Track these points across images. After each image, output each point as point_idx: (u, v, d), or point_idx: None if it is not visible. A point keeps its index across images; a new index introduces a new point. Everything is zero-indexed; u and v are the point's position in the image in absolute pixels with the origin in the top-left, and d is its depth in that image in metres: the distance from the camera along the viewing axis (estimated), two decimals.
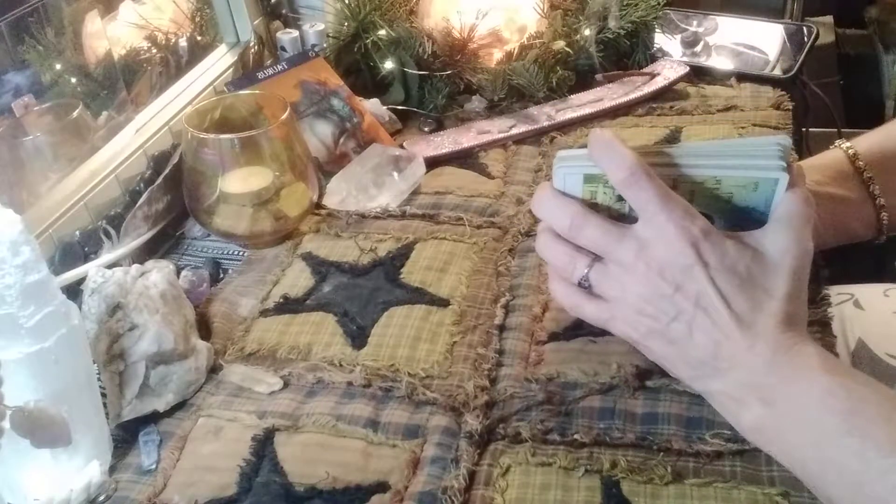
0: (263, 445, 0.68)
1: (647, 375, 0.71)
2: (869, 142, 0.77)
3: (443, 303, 0.82)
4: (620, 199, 0.63)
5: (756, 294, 0.57)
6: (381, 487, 0.64)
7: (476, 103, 1.15)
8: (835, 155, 0.77)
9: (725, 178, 0.60)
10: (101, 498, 0.66)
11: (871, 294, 0.94)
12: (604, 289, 0.62)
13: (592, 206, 0.63)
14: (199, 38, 1.16)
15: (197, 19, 1.16)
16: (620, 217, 0.63)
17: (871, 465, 0.51)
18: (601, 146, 0.60)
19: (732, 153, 0.61)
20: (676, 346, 0.60)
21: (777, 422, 0.56)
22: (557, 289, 0.66)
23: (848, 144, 0.76)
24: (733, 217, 0.62)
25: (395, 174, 0.98)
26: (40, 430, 0.57)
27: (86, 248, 0.87)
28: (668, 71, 1.16)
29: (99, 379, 0.70)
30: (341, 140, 1.04)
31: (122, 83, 1.00)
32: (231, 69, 1.14)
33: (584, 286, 0.63)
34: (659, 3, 1.17)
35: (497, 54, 1.16)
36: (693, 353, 0.59)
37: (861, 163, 0.74)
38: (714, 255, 0.56)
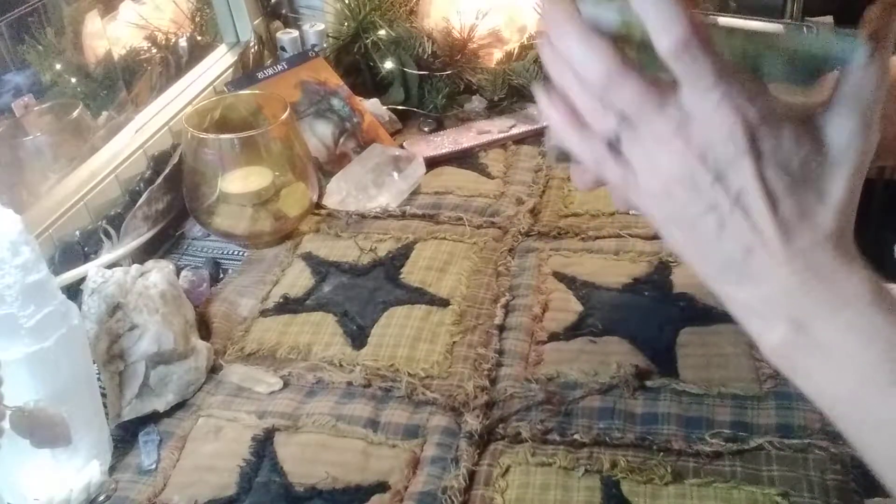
0: (263, 445, 0.68)
1: (647, 375, 0.71)
2: None
3: (443, 303, 0.82)
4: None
5: (807, 198, 0.48)
6: (381, 487, 0.64)
7: (476, 103, 1.15)
8: None
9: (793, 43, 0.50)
10: (101, 498, 0.66)
11: None
12: (632, 156, 0.50)
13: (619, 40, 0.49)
14: (199, 38, 1.16)
15: (197, 19, 1.16)
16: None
17: None
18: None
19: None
20: (702, 242, 0.51)
21: (807, 351, 0.48)
22: (573, 135, 0.51)
23: None
24: (795, 71, 0.51)
25: (395, 174, 0.98)
26: (40, 430, 0.57)
27: (86, 248, 0.87)
28: None
29: (99, 379, 0.70)
30: (341, 140, 1.04)
31: (122, 83, 1.00)
32: (231, 69, 1.14)
33: (613, 146, 0.51)
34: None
35: (497, 54, 1.16)
36: (720, 253, 0.50)
37: None
38: (769, 146, 0.47)
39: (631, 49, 0.49)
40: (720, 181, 0.48)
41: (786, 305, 0.48)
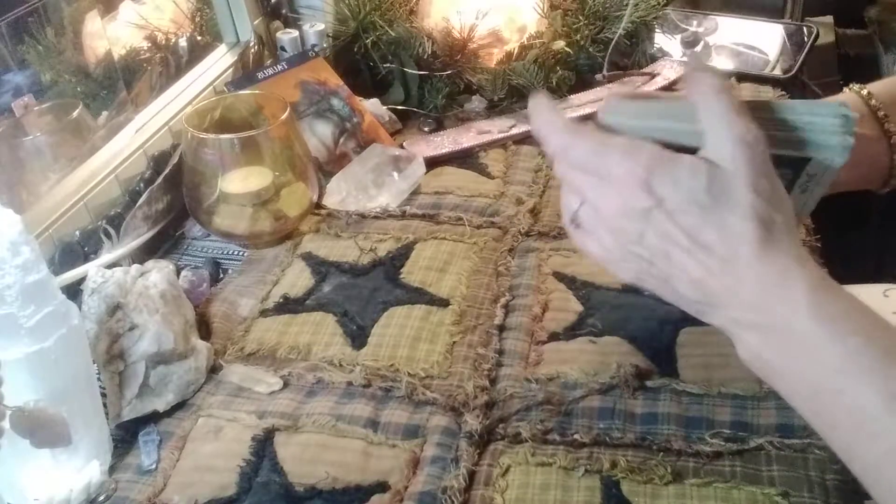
0: (263, 445, 0.68)
1: (647, 375, 0.71)
2: (882, 85, 0.74)
3: (443, 303, 0.82)
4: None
5: (722, 217, 0.51)
6: (381, 487, 0.64)
7: (476, 103, 1.15)
8: (847, 97, 0.74)
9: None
10: (101, 498, 0.66)
11: (870, 294, 0.94)
12: (592, 231, 0.58)
13: None
14: (199, 38, 1.16)
15: (197, 19, 1.16)
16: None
17: (861, 426, 0.48)
18: (536, 115, 0.58)
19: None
20: (667, 286, 0.56)
21: (772, 363, 0.52)
22: (568, 226, 0.61)
23: (860, 86, 0.73)
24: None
25: (395, 174, 0.98)
26: (40, 430, 0.57)
27: (86, 248, 0.87)
28: (668, 71, 1.16)
29: (99, 379, 0.70)
30: (341, 140, 1.04)
31: (122, 83, 1.00)
32: (231, 69, 1.14)
33: (576, 224, 0.59)
34: (659, 3, 1.17)
35: (497, 54, 1.16)
36: (682, 291, 0.55)
37: (875, 102, 0.72)
38: (667, 188, 0.52)
39: None
40: (645, 236, 0.53)
41: (746, 323, 0.52)
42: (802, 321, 0.50)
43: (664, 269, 0.54)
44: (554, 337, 0.77)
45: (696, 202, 0.51)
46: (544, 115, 0.58)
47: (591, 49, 1.15)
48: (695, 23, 1.27)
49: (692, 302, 0.55)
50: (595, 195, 0.55)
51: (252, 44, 1.17)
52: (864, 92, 0.73)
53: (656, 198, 0.52)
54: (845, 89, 0.75)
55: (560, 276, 0.84)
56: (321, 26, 1.19)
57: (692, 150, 0.53)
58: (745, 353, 0.54)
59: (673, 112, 0.56)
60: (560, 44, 1.14)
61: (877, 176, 0.73)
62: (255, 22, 1.18)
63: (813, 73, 1.28)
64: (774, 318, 0.51)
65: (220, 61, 1.15)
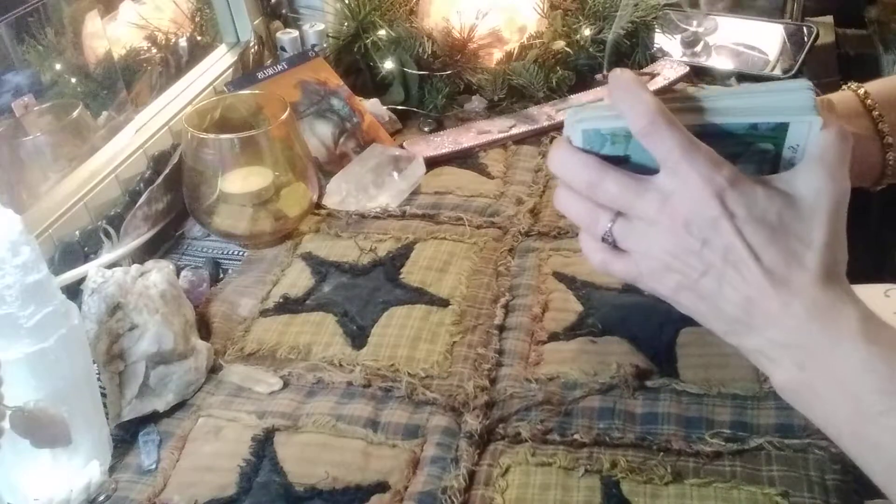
0: (263, 445, 0.68)
1: (647, 375, 0.71)
2: (880, 84, 0.75)
3: (443, 303, 0.82)
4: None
5: (790, 245, 0.52)
6: (381, 487, 0.64)
7: (476, 103, 1.15)
8: (844, 95, 0.75)
9: (754, 124, 0.56)
10: (101, 498, 0.66)
11: (870, 294, 0.93)
12: (629, 244, 0.57)
13: (619, 162, 0.58)
14: (199, 38, 1.16)
15: (197, 19, 1.16)
16: (650, 171, 0.57)
17: None
18: (620, 90, 0.55)
19: (761, 98, 0.56)
20: (707, 302, 0.56)
21: (811, 387, 0.53)
22: (584, 244, 0.61)
23: (857, 85, 0.74)
24: (762, 162, 0.57)
25: (395, 174, 0.98)
26: (40, 430, 0.58)
27: (86, 248, 0.87)
28: (668, 71, 1.16)
29: (99, 379, 0.70)
30: (341, 140, 1.04)
31: (122, 83, 1.00)
32: (231, 69, 1.14)
33: (609, 242, 0.58)
34: (659, 3, 1.17)
35: (497, 54, 1.16)
36: (725, 309, 0.55)
37: (871, 101, 0.72)
38: (741, 206, 0.52)
39: (633, 141, 0.56)
40: (707, 245, 0.53)
41: (790, 347, 0.53)
42: (851, 342, 0.51)
43: (712, 284, 0.54)
44: (554, 337, 0.77)
45: (767, 223, 0.52)
46: (635, 95, 0.55)
47: (591, 49, 1.15)
48: (695, 23, 1.27)
49: (732, 321, 0.55)
50: (652, 207, 0.55)
51: (252, 44, 1.18)
52: (861, 91, 0.73)
53: (729, 210, 0.52)
54: (843, 87, 0.75)
55: (560, 276, 0.84)
56: (321, 26, 1.19)
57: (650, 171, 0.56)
58: (782, 377, 0.54)
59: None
60: (560, 44, 1.14)
61: (869, 174, 0.73)
62: (255, 22, 1.18)
63: (813, 73, 1.28)
64: (819, 344, 0.52)
65: (220, 61, 1.15)
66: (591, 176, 0.56)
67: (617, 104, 0.55)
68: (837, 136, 0.54)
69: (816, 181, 0.53)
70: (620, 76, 0.55)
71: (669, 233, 0.54)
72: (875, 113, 0.72)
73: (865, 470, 0.52)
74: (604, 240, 0.58)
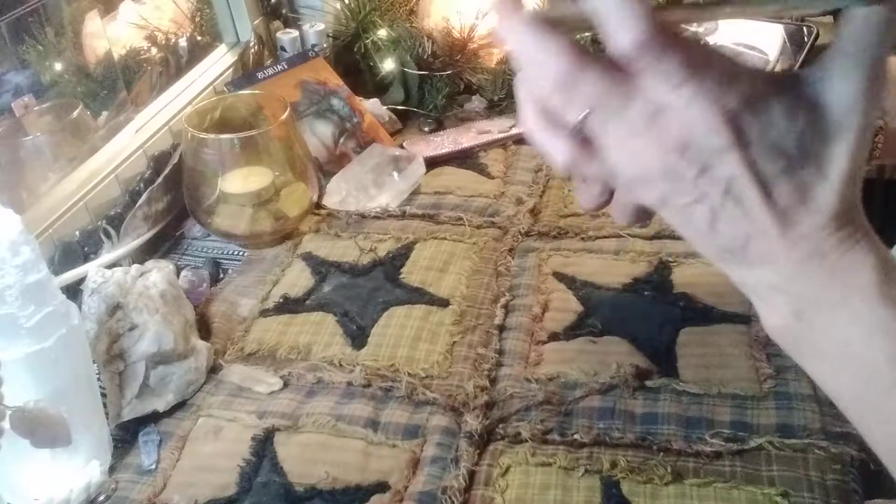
0: (263, 445, 0.68)
1: (647, 375, 0.71)
2: None
3: (443, 303, 0.82)
4: None
5: (807, 176, 0.44)
6: (381, 487, 0.64)
7: (476, 103, 1.15)
8: None
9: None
10: (101, 498, 0.66)
11: None
12: (603, 141, 0.46)
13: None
14: (199, 38, 1.16)
15: (197, 19, 1.16)
16: None
17: None
18: None
19: None
20: (695, 228, 0.47)
21: (809, 339, 0.46)
22: (546, 140, 0.47)
23: None
24: None
25: (395, 174, 0.98)
26: (40, 430, 0.57)
27: (86, 248, 0.87)
28: None
29: (99, 379, 0.70)
30: (341, 140, 1.04)
31: (122, 83, 1.00)
32: (231, 69, 1.14)
33: (577, 135, 0.46)
34: (658, 4, 1.17)
35: (497, 54, 1.16)
36: (717, 239, 0.47)
37: None
38: (757, 130, 0.43)
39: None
40: (705, 173, 0.44)
41: (786, 293, 0.46)
42: (864, 298, 0.44)
43: (705, 214, 0.45)
44: (554, 337, 0.77)
45: (784, 149, 0.43)
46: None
47: (591, 49, 1.15)
48: (695, 23, 1.26)
49: (723, 251, 0.47)
50: (636, 111, 0.44)
51: (252, 44, 1.17)
52: None
53: (741, 138, 0.43)
54: None
55: (560, 276, 0.84)
56: (321, 26, 1.19)
57: None
58: (775, 322, 0.47)
59: None
60: None
61: None
62: (255, 22, 1.18)
63: None
64: (826, 292, 0.44)
65: (220, 61, 1.15)
66: (570, 69, 0.44)
67: (599, 7, 0.44)
68: (878, 26, 0.42)
69: (850, 89, 0.43)
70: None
71: (658, 151, 0.45)
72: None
73: (867, 439, 0.45)
74: (573, 131, 0.46)
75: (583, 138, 0.46)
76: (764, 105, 0.43)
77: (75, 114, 0.94)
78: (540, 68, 0.46)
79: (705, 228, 0.46)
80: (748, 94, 0.43)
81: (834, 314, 0.45)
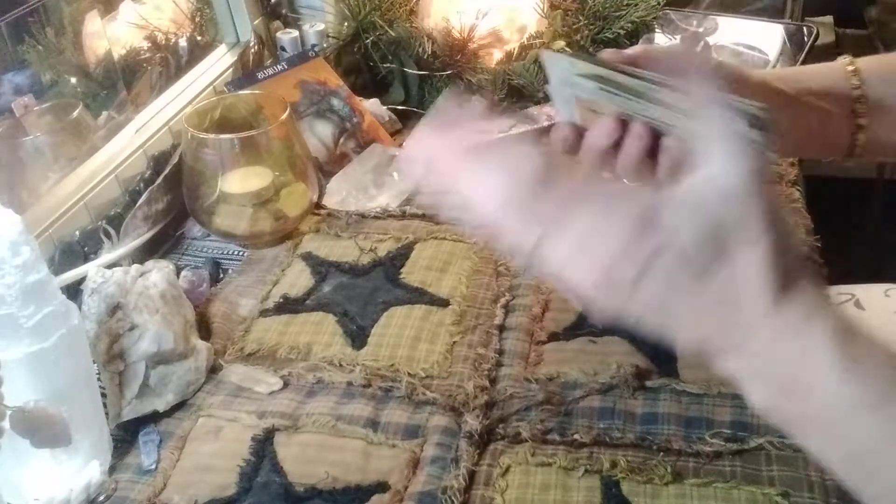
0: (263, 445, 0.68)
1: (647, 375, 0.71)
2: (877, 60, 0.69)
3: (443, 303, 0.82)
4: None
5: (733, 258, 0.45)
6: (381, 487, 0.64)
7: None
8: (832, 67, 0.69)
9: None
10: (101, 498, 0.66)
11: (871, 294, 0.94)
12: (561, 266, 0.50)
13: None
14: (198, 38, 1.16)
15: (197, 19, 1.16)
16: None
17: None
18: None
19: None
20: (663, 324, 0.49)
21: (793, 417, 0.48)
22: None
23: (850, 60, 0.69)
24: None
25: (395, 174, 0.98)
26: (40, 430, 0.57)
27: (86, 248, 0.87)
28: None
29: (99, 379, 0.70)
30: (341, 140, 1.04)
31: (122, 83, 1.00)
32: (231, 69, 1.14)
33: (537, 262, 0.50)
34: (659, 3, 1.17)
35: (497, 54, 1.16)
36: (684, 336, 0.50)
37: (856, 80, 0.67)
38: (669, 219, 0.46)
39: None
40: (645, 276, 0.46)
41: (761, 377, 0.47)
42: (832, 382, 0.45)
43: (666, 315, 0.48)
44: (554, 337, 0.77)
45: (704, 242, 0.45)
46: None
47: (591, 49, 1.15)
48: (695, 23, 1.26)
49: (697, 349, 0.49)
50: (580, 226, 0.47)
51: (252, 44, 1.17)
52: (851, 68, 0.68)
53: (663, 239, 0.45)
54: (839, 59, 0.70)
55: None
56: (321, 26, 1.19)
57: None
58: (759, 402, 0.48)
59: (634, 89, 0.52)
60: (560, 44, 1.14)
61: (835, 151, 0.68)
62: (255, 22, 1.18)
63: None
64: (791, 361, 0.46)
65: (220, 61, 1.15)
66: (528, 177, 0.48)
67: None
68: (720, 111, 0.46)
69: (733, 171, 0.45)
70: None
71: (601, 264, 0.47)
72: (856, 93, 0.67)
73: (863, 493, 0.46)
74: (530, 257, 0.50)
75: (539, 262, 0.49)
76: (673, 206, 0.46)
77: (75, 114, 0.94)
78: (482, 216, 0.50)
79: (674, 328, 0.48)
80: (646, 206, 0.46)
81: (809, 394, 0.45)
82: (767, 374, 0.47)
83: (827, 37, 1.59)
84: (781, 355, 0.46)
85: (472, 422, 0.68)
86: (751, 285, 0.45)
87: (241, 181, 0.90)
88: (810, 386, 0.45)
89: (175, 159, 0.96)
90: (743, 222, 0.45)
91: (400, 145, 1.06)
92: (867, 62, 0.69)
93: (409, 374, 0.74)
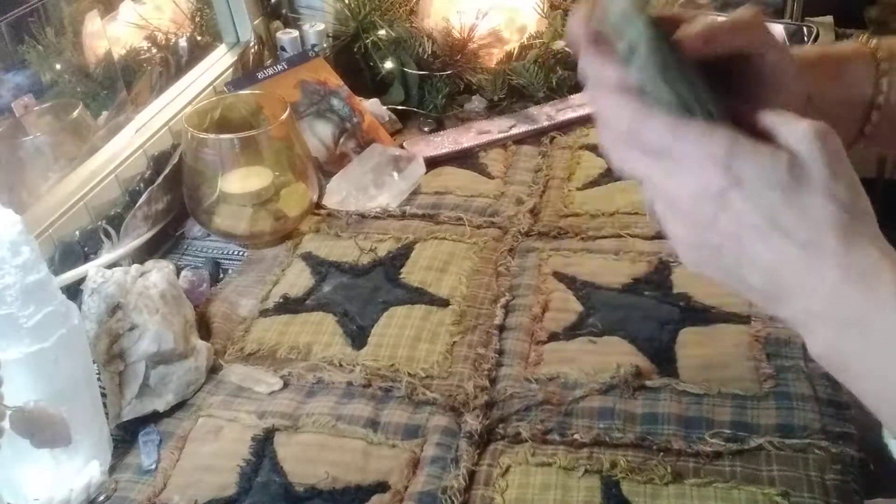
0: (263, 445, 0.68)
1: (647, 375, 0.71)
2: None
3: (443, 303, 0.82)
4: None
5: (803, 199, 0.49)
6: (381, 487, 0.64)
7: (476, 103, 1.15)
8: (851, 43, 0.66)
9: None
10: (101, 498, 0.66)
11: None
12: (666, 219, 0.54)
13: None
14: (199, 38, 1.16)
15: (197, 19, 1.16)
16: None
17: None
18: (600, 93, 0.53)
19: None
20: (735, 274, 0.52)
21: (849, 357, 0.50)
22: (619, 156, 0.55)
23: (867, 37, 0.67)
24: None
25: (395, 174, 0.98)
26: (40, 430, 0.57)
27: (86, 248, 0.87)
28: None
29: (99, 379, 0.70)
30: (341, 140, 1.04)
31: (122, 83, 1.00)
32: (231, 69, 1.14)
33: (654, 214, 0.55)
34: (659, 4, 1.17)
35: (497, 54, 1.16)
36: (751, 281, 0.51)
37: (881, 53, 0.65)
38: (746, 169, 0.49)
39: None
40: (718, 218, 0.50)
41: (821, 316, 0.49)
42: (888, 316, 0.47)
43: (734, 256, 0.51)
44: (554, 337, 0.77)
45: (777, 183, 0.48)
46: (610, 95, 0.53)
47: None
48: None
49: (761, 292, 0.51)
50: (667, 182, 0.51)
51: (252, 44, 1.17)
52: (872, 43, 0.66)
53: (735, 177, 0.49)
54: (852, 38, 0.68)
55: (560, 276, 0.84)
56: (321, 26, 1.19)
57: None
58: (818, 347, 0.50)
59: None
60: (560, 44, 1.14)
61: (860, 92, 0.66)
62: (255, 22, 1.18)
63: None
64: (856, 310, 0.48)
65: (220, 61, 1.15)
66: (633, 120, 0.52)
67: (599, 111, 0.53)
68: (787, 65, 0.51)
69: (799, 137, 0.49)
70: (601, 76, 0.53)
71: (684, 212, 0.52)
72: (883, 65, 0.64)
73: None
74: (651, 212, 0.55)
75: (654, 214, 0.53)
76: (746, 150, 0.49)
77: (75, 114, 0.94)
78: (610, 122, 0.54)
79: (743, 271, 0.51)
80: (728, 143, 0.49)
81: (868, 329, 0.48)
82: (833, 314, 0.49)
83: (827, 37, 1.58)
84: (848, 294, 0.48)
85: (472, 422, 0.68)
86: (823, 229, 0.48)
87: (241, 181, 0.90)
88: (872, 322, 0.47)
89: (175, 159, 0.96)
90: (816, 174, 0.48)
91: (400, 145, 1.06)
92: (888, 40, 0.66)
93: (409, 374, 0.74)
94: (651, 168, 0.52)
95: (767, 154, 0.49)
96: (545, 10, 1.17)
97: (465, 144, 1.06)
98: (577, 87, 1.15)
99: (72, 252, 0.86)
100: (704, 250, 0.52)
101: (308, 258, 0.90)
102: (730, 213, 0.49)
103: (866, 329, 0.48)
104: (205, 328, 0.81)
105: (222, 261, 0.93)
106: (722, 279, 0.53)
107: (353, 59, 1.17)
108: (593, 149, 1.04)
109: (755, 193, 0.49)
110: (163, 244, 0.95)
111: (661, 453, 0.65)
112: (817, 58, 0.60)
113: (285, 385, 0.74)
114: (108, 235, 0.88)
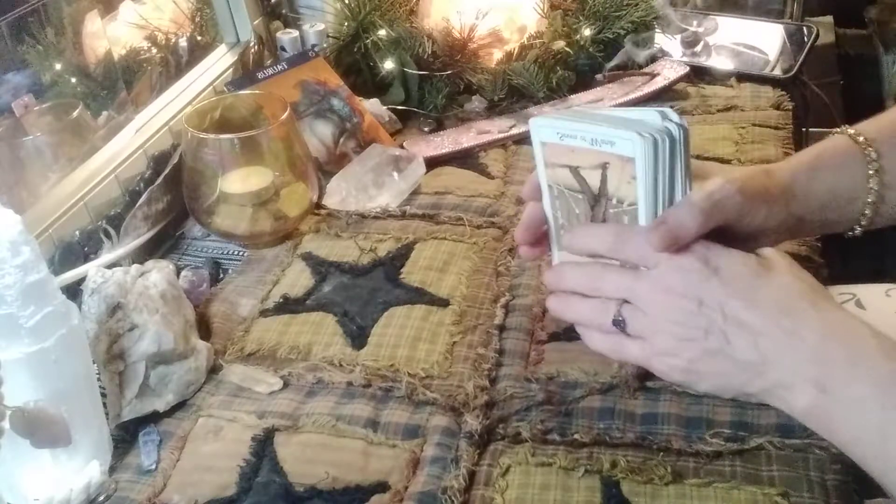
0: (263, 445, 0.68)
1: (647, 375, 0.71)
2: (875, 124, 0.70)
3: (443, 303, 0.82)
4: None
5: (775, 280, 0.57)
6: (381, 487, 0.64)
7: (476, 103, 1.15)
8: (835, 140, 0.70)
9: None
10: (101, 498, 0.66)
11: (872, 294, 0.94)
12: (638, 328, 0.60)
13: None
14: (199, 38, 1.16)
15: (197, 19, 1.16)
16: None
17: None
18: (577, 237, 0.62)
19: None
20: (720, 357, 0.57)
21: (833, 409, 0.54)
22: (594, 340, 0.63)
23: (848, 128, 0.70)
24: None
25: (395, 174, 0.98)
26: (40, 430, 0.58)
27: (86, 248, 0.87)
28: (668, 71, 1.16)
29: (99, 379, 0.70)
30: (341, 140, 1.04)
31: (122, 83, 1.00)
32: (231, 69, 1.14)
33: (620, 326, 0.61)
34: (659, 3, 1.17)
35: (497, 54, 1.16)
36: (738, 357, 0.57)
37: (862, 138, 0.68)
38: (721, 260, 0.57)
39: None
40: (703, 303, 0.57)
41: (807, 370, 0.54)
42: (870, 359, 0.53)
43: (719, 339, 0.57)
44: (554, 337, 0.77)
45: (749, 269, 0.57)
46: (586, 233, 0.62)
47: (591, 49, 1.15)
48: (695, 23, 1.26)
49: (748, 367, 0.57)
50: (652, 286, 0.58)
51: (252, 44, 1.18)
52: (851, 131, 0.69)
53: (713, 268, 0.57)
54: (834, 132, 0.71)
55: None
56: (321, 26, 1.19)
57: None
58: (803, 402, 0.55)
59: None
60: (560, 44, 1.14)
61: (843, 225, 0.71)
62: (255, 22, 1.18)
63: (813, 73, 1.28)
64: (840, 358, 0.54)
65: (220, 61, 1.15)
66: (594, 274, 0.61)
67: (578, 244, 0.62)
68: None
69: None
70: (571, 239, 0.63)
71: (669, 304, 0.58)
72: (867, 151, 0.68)
73: (893, 492, 0.52)
74: (615, 323, 0.61)
75: (623, 328, 0.61)
76: (716, 246, 0.58)
77: (75, 114, 0.94)
78: (576, 284, 0.63)
79: (726, 349, 0.57)
80: (703, 245, 0.58)
81: (849, 378, 0.53)
82: (815, 369, 0.54)
83: (827, 37, 1.59)
84: (832, 349, 0.54)
85: (472, 422, 0.68)
86: (794, 298, 0.56)
87: (241, 181, 0.90)
88: (855, 375, 0.53)
89: (175, 159, 0.96)
90: (777, 263, 0.58)
91: (400, 145, 1.06)
92: (867, 126, 0.70)
93: (409, 374, 0.74)
94: (635, 283, 0.59)
95: (736, 250, 0.58)
96: (545, 10, 1.17)
97: (465, 144, 1.06)
98: (576, 88, 1.15)
99: (72, 252, 0.86)
100: (692, 342, 0.57)
101: (308, 258, 0.90)
102: (712, 297, 0.57)
103: (847, 381, 0.53)
104: (205, 328, 0.81)
105: (222, 261, 0.93)
106: (709, 369, 0.58)
107: (353, 59, 1.17)
108: None
109: (731, 277, 0.57)
110: (163, 244, 0.95)
111: (661, 453, 0.65)
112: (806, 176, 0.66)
113: (285, 385, 0.74)
114: (108, 235, 0.88)
